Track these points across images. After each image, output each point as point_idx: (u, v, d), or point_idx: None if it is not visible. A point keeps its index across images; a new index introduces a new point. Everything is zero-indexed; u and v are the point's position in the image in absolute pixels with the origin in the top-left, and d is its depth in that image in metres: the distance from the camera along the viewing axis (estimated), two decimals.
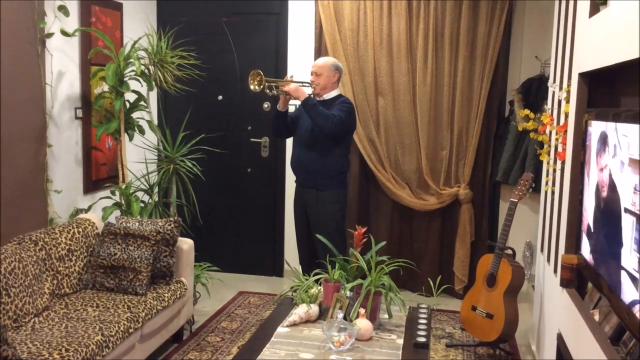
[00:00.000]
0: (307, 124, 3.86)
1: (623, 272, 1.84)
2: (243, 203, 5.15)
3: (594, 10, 2.51)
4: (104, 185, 4.21)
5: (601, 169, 2.17)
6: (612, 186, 2.00)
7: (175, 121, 4.69)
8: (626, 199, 1.84)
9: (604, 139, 2.15)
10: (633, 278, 1.75)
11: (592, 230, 2.30)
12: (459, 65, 4.47)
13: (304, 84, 3.88)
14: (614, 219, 1.95)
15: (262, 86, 3.71)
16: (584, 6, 2.66)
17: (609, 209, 2.05)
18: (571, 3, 3.05)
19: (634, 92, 2.23)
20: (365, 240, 3.21)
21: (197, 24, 4.97)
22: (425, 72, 4.50)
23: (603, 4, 2.42)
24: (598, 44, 2.33)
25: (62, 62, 3.83)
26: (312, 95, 3.84)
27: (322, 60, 3.98)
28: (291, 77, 3.92)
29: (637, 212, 1.72)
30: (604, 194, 2.12)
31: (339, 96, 3.95)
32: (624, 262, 1.83)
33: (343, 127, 3.78)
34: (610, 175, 2.04)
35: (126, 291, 3.28)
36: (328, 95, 3.91)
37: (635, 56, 1.78)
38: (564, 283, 2.64)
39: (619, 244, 1.88)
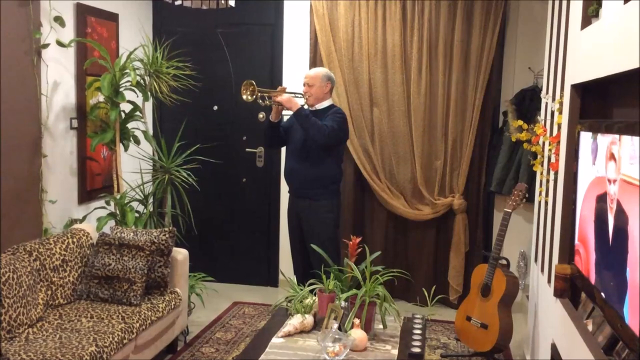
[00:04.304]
0: (299, 134, 3.88)
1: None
2: (238, 213, 5.15)
3: (586, 22, 2.54)
4: (98, 195, 4.21)
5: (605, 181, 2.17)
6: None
7: (170, 131, 4.69)
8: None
9: (608, 152, 2.14)
10: None
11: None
12: (453, 76, 4.50)
13: (297, 95, 3.90)
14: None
15: (254, 96, 3.73)
16: (576, 18, 2.69)
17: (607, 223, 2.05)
18: (563, 15, 3.09)
19: (626, 104, 2.25)
20: (360, 250, 3.21)
21: (192, 35, 4.99)
22: (420, 83, 4.53)
23: (595, 16, 2.45)
24: (590, 56, 2.36)
25: (58, 73, 3.84)
26: (304, 106, 3.86)
27: (314, 70, 4.00)
28: (284, 88, 3.95)
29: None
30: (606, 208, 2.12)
31: (332, 106, 3.97)
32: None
33: (336, 137, 3.80)
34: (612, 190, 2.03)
35: (120, 302, 3.27)
36: (320, 106, 3.93)
37: (627, 68, 1.80)
38: (558, 293, 2.65)
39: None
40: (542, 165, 3.48)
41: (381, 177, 4.69)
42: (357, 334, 2.77)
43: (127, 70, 3.83)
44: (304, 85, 3.94)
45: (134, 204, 4.10)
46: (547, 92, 3.54)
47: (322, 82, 3.90)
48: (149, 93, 4.02)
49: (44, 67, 3.68)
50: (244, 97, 3.73)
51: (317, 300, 3.09)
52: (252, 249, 5.16)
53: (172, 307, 3.48)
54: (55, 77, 3.81)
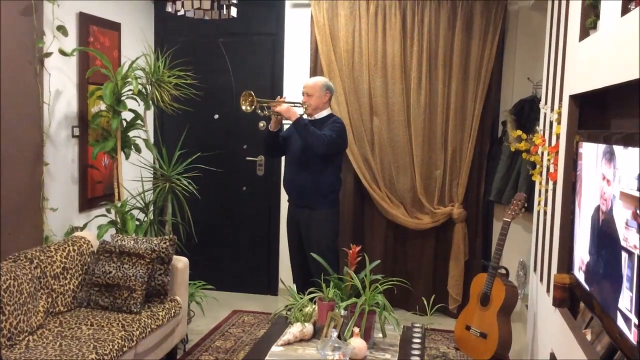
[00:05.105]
0: (298, 144, 3.90)
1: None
2: (238, 221, 5.16)
3: (584, 34, 2.57)
4: (99, 203, 4.22)
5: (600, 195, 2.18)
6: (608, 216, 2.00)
7: (171, 140, 4.71)
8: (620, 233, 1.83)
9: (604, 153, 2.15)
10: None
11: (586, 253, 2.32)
12: (452, 86, 4.53)
13: (296, 104, 3.93)
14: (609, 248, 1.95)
15: (253, 106, 3.76)
16: (574, 30, 2.72)
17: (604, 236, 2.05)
18: (562, 27, 3.12)
19: (624, 114, 2.27)
20: (359, 258, 3.22)
21: (194, 44, 5.03)
22: (419, 93, 4.56)
23: (593, 28, 2.47)
24: (588, 67, 2.38)
25: (60, 81, 3.86)
26: (303, 116, 3.88)
27: (313, 80, 4.02)
28: (283, 97, 3.98)
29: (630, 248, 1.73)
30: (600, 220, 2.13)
31: (331, 115, 3.99)
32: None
33: (334, 146, 3.82)
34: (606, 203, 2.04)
35: (120, 309, 3.28)
36: (319, 115, 3.95)
37: (625, 79, 1.82)
38: (557, 302, 2.66)
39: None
40: (541, 175, 3.50)
41: (381, 186, 4.71)
42: (357, 343, 2.78)
43: (129, 79, 3.86)
44: (303, 94, 3.96)
45: (135, 212, 4.11)
46: (545, 103, 3.57)
47: (321, 92, 3.92)
48: (151, 102, 4.05)
49: (46, 75, 3.70)
50: (243, 107, 3.76)
51: (316, 308, 3.10)
52: (252, 257, 5.17)
53: (172, 315, 3.48)
54: (58, 86, 3.83)
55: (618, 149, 1.89)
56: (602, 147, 2.09)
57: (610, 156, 1.99)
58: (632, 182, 1.70)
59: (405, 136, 4.60)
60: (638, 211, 1.65)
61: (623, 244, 1.78)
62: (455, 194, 4.62)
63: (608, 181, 2.00)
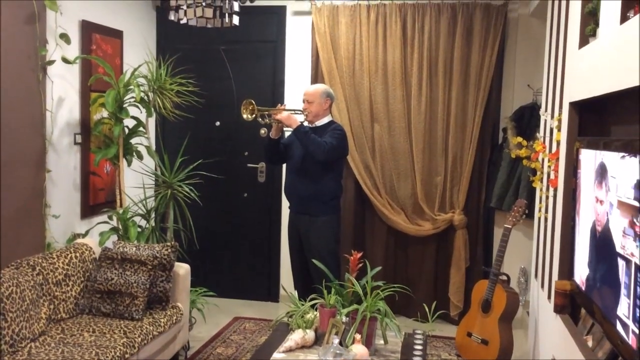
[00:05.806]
0: (299, 151, 3.91)
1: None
2: (239, 228, 5.17)
3: (584, 41, 2.58)
4: (101, 210, 4.23)
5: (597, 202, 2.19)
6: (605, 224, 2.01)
7: (173, 147, 4.73)
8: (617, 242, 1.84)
9: (597, 174, 2.17)
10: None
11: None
12: (452, 93, 4.54)
13: (296, 112, 3.94)
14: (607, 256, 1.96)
15: (254, 115, 3.78)
16: (574, 37, 2.74)
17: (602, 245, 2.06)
18: (562, 34, 3.14)
19: (623, 121, 2.28)
20: (360, 265, 3.23)
21: (196, 52, 5.05)
22: (420, 100, 4.57)
23: (592, 35, 2.49)
24: (588, 74, 2.40)
25: (63, 89, 3.88)
26: (304, 123, 3.89)
27: (314, 87, 4.04)
28: (284, 105, 3.99)
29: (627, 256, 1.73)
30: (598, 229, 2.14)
31: (331, 122, 4.00)
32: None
33: (335, 153, 3.83)
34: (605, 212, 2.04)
35: (122, 316, 3.28)
36: (320, 122, 3.96)
37: (624, 87, 1.84)
38: (558, 309, 2.66)
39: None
40: (542, 182, 3.51)
41: (382, 192, 4.72)
42: (358, 349, 2.78)
43: (131, 87, 3.87)
44: (304, 102, 3.98)
45: (137, 219, 4.11)
46: (546, 110, 3.58)
47: (322, 99, 3.94)
48: (153, 109, 4.06)
49: (49, 83, 3.72)
50: (244, 116, 3.78)
51: (318, 315, 3.10)
52: (253, 263, 5.18)
53: (174, 321, 3.48)
54: (60, 93, 3.85)
55: (614, 159, 1.90)
56: (598, 159, 2.10)
57: (602, 172, 1.99)
58: (630, 191, 1.71)
59: (406, 143, 4.62)
60: (635, 220, 1.66)
61: (620, 251, 1.79)
62: (456, 200, 4.63)
63: (601, 202, 2.01)
